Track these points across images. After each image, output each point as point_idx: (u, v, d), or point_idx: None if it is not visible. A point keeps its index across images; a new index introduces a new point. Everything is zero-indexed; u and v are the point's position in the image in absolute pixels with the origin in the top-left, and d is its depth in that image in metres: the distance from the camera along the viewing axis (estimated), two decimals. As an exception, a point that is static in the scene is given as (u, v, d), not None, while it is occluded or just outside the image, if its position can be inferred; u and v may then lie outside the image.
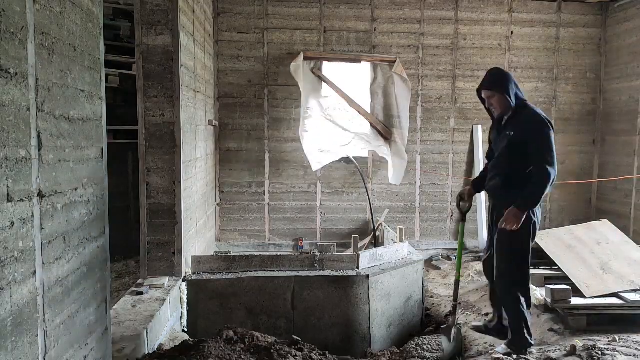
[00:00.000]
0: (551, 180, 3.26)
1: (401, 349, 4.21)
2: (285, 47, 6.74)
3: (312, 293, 4.27)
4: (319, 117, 6.50)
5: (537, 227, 3.49)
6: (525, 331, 3.45)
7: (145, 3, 3.97)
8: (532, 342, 3.48)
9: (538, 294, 4.04)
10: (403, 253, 4.96)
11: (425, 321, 4.87)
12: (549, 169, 3.26)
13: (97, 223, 2.27)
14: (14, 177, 1.54)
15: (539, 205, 3.40)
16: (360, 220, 7.00)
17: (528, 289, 3.52)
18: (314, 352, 3.22)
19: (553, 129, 3.38)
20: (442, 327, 4.09)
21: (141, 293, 3.75)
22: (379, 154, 6.70)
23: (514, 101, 3.43)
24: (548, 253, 4.40)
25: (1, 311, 1.46)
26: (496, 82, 3.46)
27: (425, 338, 4.21)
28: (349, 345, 4.26)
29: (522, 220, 3.30)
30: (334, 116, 6.61)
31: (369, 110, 6.80)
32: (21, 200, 1.58)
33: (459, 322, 3.83)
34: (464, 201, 3.85)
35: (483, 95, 3.57)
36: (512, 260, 3.45)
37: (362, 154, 6.91)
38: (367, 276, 4.35)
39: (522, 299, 3.45)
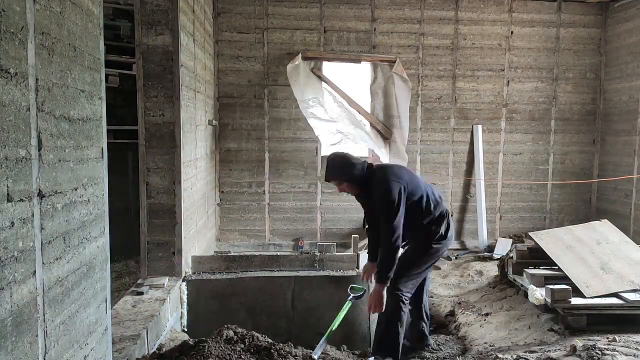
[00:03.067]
0: (394, 233, 3.32)
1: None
2: (285, 47, 6.74)
3: (312, 293, 4.27)
4: (322, 114, 6.51)
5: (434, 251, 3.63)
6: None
7: (145, 3, 3.97)
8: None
9: (538, 294, 4.04)
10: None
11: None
12: (388, 225, 3.33)
13: (97, 223, 2.27)
14: (14, 177, 1.53)
15: (439, 234, 3.58)
16: (360, 220, 6.98)
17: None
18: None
19: (399, 179, 3.41)
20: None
21: (141, 293, 3.75)
22: (377, 154, 6.70)
23: (359, 182, 3.49)
24: (548, 253, 4.40)
25: (1, 311, 1.46)
26: (336, 172, 3.50)
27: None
28: (349, 345, 4.25)
29: (384, 295, 3.41)
30: (337, 117, 6.61)
31: (369, 110, 6.80)
32: (21, 200, 1.58)
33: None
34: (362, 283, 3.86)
35: (332, 184, 3.64)
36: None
37: (362, 154, 6.91)
38: (367, 276, 4.34)
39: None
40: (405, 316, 3.63)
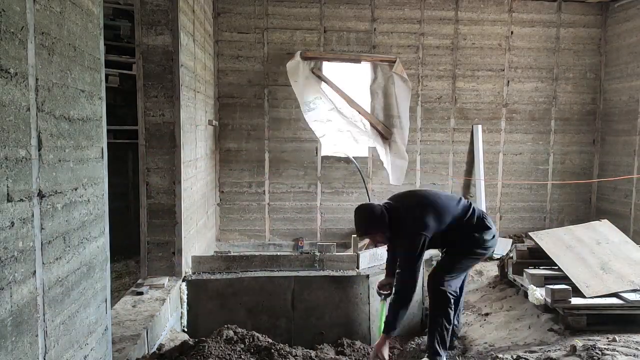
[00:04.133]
0: (407, 280, 3.36)
1: (401, 349, 4.21)
2: (285, 47, 6.74)
3: (312, 293, 4.26)
4: (322, 114, 6.51)
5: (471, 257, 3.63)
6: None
7: (145, 3, 3.97)
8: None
9: (538, 294, 4.04)
10: (403, 253, 4.95)
11: (425, 321, 4.86)
12: (403, 273, 3.38)
13: (97, 223, 2.27)
14: (14, 177, 1.54)
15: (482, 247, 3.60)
16: (360, 220, 7.00)
17: None
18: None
19: (426, 225, 3.38)
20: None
21: (141, 293, 3.75)
22: (379, 155, 6.70)
23: (388, 230, 3.47)
24: (548, 253, 4.40)
25: (1, 311, 1.46)
26: (367, 226, 3.52)
27: (425, 338, 4.20)
28: (349, 344, 4.25)
29: (385, 348, 3.37)
30: (337, 117, 6.61)
31: (369, 110, 6.80)
32: (21, 200, 1.58)
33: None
34: (385, 290, 3.87)
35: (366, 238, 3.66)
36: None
37: (362, 154, 6.91)
38: (367, 276, 4.35)
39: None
40: (452, 314, 3.61)
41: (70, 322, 1.97)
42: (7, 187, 1.50)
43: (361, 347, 4.02)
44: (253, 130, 6.83)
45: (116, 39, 6.54)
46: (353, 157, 6.62)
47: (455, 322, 3.94)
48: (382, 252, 4.77)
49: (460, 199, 3.73)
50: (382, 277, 4.43)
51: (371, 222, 3.48)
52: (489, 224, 3.69)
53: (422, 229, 3.38)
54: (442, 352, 3.53)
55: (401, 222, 3.46)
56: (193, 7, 4.83)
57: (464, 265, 3.69)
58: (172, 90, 4.03)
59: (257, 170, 6.87)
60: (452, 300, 3.60)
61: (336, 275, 4.34)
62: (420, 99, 6.98)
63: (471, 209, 3.66)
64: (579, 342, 3.39)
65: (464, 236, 3.60)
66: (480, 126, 7.03)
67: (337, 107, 6.64)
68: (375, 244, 3.68)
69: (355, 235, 5.23)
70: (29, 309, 1.63)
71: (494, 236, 3.71)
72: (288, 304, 4.25)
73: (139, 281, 4.08)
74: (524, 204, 7.23)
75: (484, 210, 6.95)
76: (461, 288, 3.92)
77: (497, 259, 5.91)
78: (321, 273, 4.37)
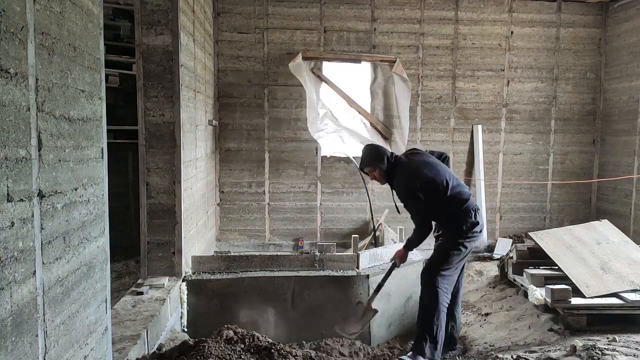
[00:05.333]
0: (422, 227, 3.73)
1: (401, 349, 4.21)
2: (285, 47, 6.74)
3: (312, 293, 4.26)
4: (323, 112, 6.52)
5: (462, 253, 3.75)
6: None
7: (145, 3, 3.97)
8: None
9: (538, 294, 4.04)
10: (403, 253, 4.95)
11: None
12: (416, 220, 3.75)
13: (97, 223, 2.27)
14: (14, 177, 1.53)
15: (463, 238, 3.70)
16: (360, 220, 7.00)
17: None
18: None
19: (420, 177, 3.67)
20: (358, 302, 4.20)
21: (141, 293, 3.75)
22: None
23: (387, 169, 3.82)
24: (548, 253, 4.40)
25: (1, 311, 1.46)
26: (369, 160, 3.88)
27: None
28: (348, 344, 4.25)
29: (406, 256, 3.97)
30: (336, 116, 6.61)
31: (369, 110, 6.80)
32: (21, 200, 1.58)
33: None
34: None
35: (366, 172, 3.98)
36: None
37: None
38: (367, 276, 4.35)
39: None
40: (444, 310, 3.65)
41: (70, 322, 1.97)
42: (7, 187, 1.49)
43: (361, 347, 4.02)
44: (253, 130, 6.83)
45: (116, 39, 6.54)
46: (353, 157, 6.62)
47: (453, 324, 3.95)
48: (382, 252, 4.77)
49: (459, 183, 3.86)
50: (382, 277, 4.44)
51: (371, 157, 3.88)
52: (479, 218, 3.75)
53: (416, 177, 3.69)
54: (427, 351, 3.55)
55: (399, 173, 3.78)
56: (193, 7, 4.83)
57: (450, 259, 3.69)
58: (172, 90, 4.03)
59: (257, 170, 6.87)
60: (444, 298, 3.63)
61: (336, 275, 4.34)
62: (420, 99, 6.98)
63: (464, 194, 3.76)
64: (579, 342, 3.40)
65: (450, 220, 3.74)
66: (480, 126, 7.04)
67: (337, 107, 6.64)
68: (372, 179, 3.99)
69: (355, 236, 5.24)
70: (29, 309, 1.63)
71: (480, 231, 3.77)
72: (288, 304, 4.25)
73: (139, 281, 4.08)
74: (524, 204, 7.23)
75: (484, 210, 6.96)
76: (457, 288, 3.92)
77: (497, 259, 5.92)
78: (321, 273, 4.37)
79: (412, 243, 3.87)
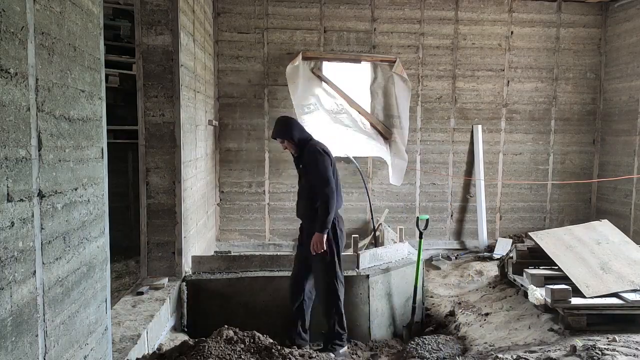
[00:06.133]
0: (330, 199, 3.79)
1: (401, 349, 4.21)
2: (285, 47, 6.74)
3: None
4: (322, 115, 6.49)
5: (341, 237, 4.01)
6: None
7: (145, 3, 3.97)
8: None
9: (538, 294, 4.04)
10: (403, 253, 4.96)
11: (425, 321, 4.87)
12: (325, 190, 3.79)
13: (97, 223, 2.27)
14: (14, 177, 1.54)
15: (336, 219, 3.93)
16: (360, 220, 7.00)
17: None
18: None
19: (329, 155, 3.94)
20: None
21: (141, 293, 3.75)
22: (379, 155, 6.68)
23: (297, 141, 3.96)
24: (548, 253, 4.40)
25: (1, 311, 1.46)
26: (282, 130, 3.98)
27: (425, 338, 4.21)
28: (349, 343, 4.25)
29: (325, 239, 3.84)
30: (337, 117, 6.60)
31: (369, 110, 6.80)
32: (21, 200, 1.58)
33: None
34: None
35: (278, 142, 4.06)
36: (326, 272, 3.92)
37: (362, 154, 6.90)
38: (367, 276, 4.35)
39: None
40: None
41: (70, 322, 1.97)
42: (7, 187, 1.50)
43: (360, 346, 4.02)
44: (253, 130, 6.83)
45: (116, 39, 6.53)
46: (353, 157, 6.61)
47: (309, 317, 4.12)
48: (382, 252, 4.77)
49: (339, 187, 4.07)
50: (382, 276, 4.44)
51: (282, 127, 3.98)
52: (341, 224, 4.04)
53: (329, 152, 3.94)
54: (343, 333, 3.92)
55: (310, 149, 3.91)
56: (193, 7, 4.83)
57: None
58: (172, 90, 4.04)
59: (257, 170, 6.87)
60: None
61: (336, 275, 4.33)
62: (420, 99, 6.98)
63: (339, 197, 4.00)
64: (579, 342, 3.39)
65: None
66: (480, 126, 7.04)
67: (336, 108, 6.63)
68: (283, 148, 4.12)
69: (355, 236, 5.24)
70: (29, 309, 1.63)
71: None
72: (288, 304, 4.24)
73: (139, 281, 4.08)
74: (523, 204, 7.23)
75: (484, 210, 6.96)
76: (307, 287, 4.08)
77: (497, 259, 5.92)
78: (321, 273, 4.36)
79: (324, 221, 3.82)
